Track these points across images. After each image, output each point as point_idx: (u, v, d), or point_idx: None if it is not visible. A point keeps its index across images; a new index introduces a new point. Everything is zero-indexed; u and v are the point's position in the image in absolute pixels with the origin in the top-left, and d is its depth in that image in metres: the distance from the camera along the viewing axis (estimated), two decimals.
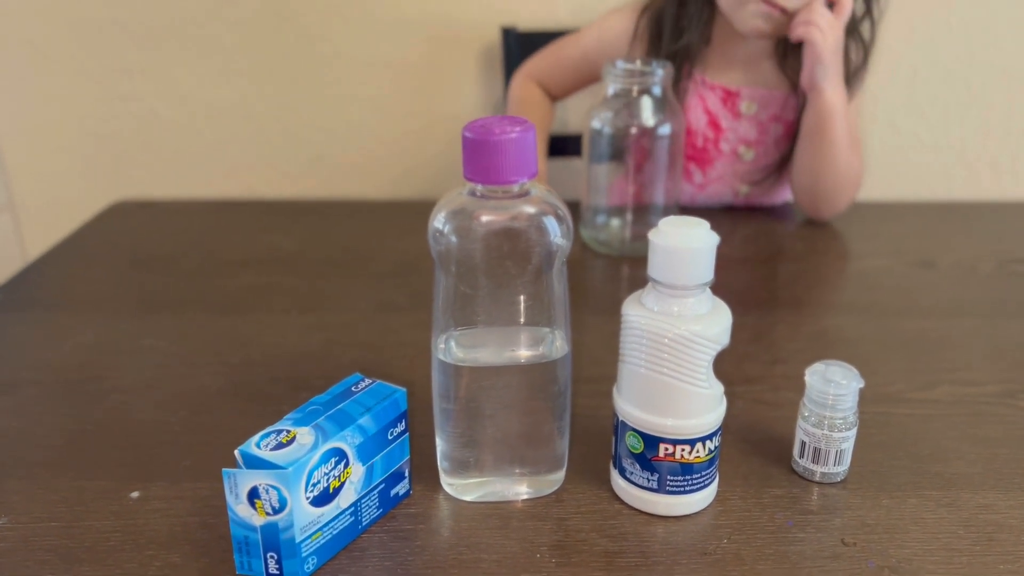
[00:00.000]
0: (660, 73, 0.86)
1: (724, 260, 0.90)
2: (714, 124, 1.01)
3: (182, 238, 0.98)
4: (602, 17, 1.07)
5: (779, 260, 0.91)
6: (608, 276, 0.89)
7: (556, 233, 0.48)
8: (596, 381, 0.66)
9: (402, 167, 1.41)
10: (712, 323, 0.49)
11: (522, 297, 0.50)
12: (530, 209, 0.48)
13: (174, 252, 0.93)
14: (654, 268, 0.49)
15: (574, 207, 0.94)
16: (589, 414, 0.61)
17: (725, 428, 0.53)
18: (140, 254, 0.93)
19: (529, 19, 1.31)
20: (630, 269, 0.89)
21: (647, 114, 0.87)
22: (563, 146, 1.20)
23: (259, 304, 0.81)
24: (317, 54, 1.35)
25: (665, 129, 0.88)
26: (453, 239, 0.48)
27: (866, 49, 0.97)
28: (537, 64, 1.12)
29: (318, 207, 1.08)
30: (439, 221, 0.48)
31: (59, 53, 1.35)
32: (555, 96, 1.13)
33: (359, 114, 1.38)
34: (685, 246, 0.48)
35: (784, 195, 1.08)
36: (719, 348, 0.49)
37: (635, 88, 0.87)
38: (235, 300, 0.82)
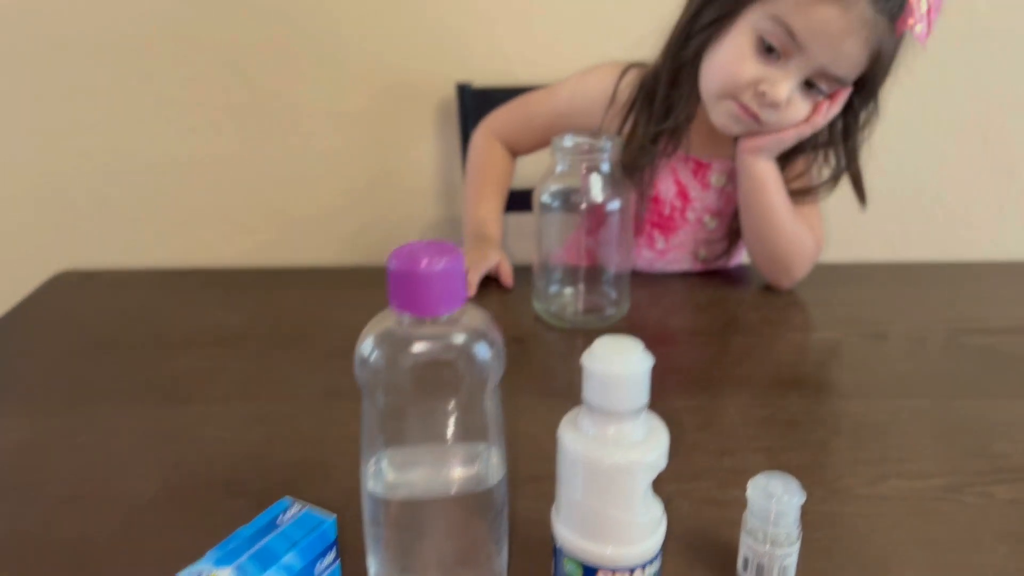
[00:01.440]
0: (609, 149, 0.85)
1: (677, 333, 0.90)
2: (683, 194, 1.01)
3: (125, 315, 0.95)
4: (578, 75, 1.05)
5: (732, 332, 0.91)
6: (559, 352, 0.88)
7: (487, 358, 0.47)
8: (540, 480, 0.64)
9: (359, 221, 1.40)
10: (649, 449, 0.48)
11: (453, 420, 0.48)
12: (459, 338, 0.46)
13: (115, 332, 0.91)
14: (588, 392, 0.48)
15: (529, 272, 0.93)
16: (533, 518, 0.60)
17: (669, 532, 0.51)
18: (80, 334, 0.90)
19: (485, 75, 1.30)
20: (584, 343, 0.88)
21: (596, 191, 0.87)
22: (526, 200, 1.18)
23: (199, 391, 0.79)
24: (272, 108, 1.34)
25: (615, 205, 0.87)
26: (380, 368, 0.46)
27: (843, 164, 0.95)
28: (502, 119, 1.10)
29: (267, 276, 1.06)
30: (365, 349, 0.47)
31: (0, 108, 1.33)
32: (519, 153, 1.12)
33: (315, 168, 1.36)
34: (619, 372, 0.47)
35: (740, 256, 1.08)
36: (657, 472, 0.48)
37: (584, 165, 0.86)
38: (175, 387, 0.80)
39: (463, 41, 1.30)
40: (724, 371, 0.83)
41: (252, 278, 1.06)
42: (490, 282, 1.01)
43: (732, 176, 0.99)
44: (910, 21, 0.81)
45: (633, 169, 0.98)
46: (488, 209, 1.07)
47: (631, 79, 0.99)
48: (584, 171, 0.86)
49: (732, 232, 1.03)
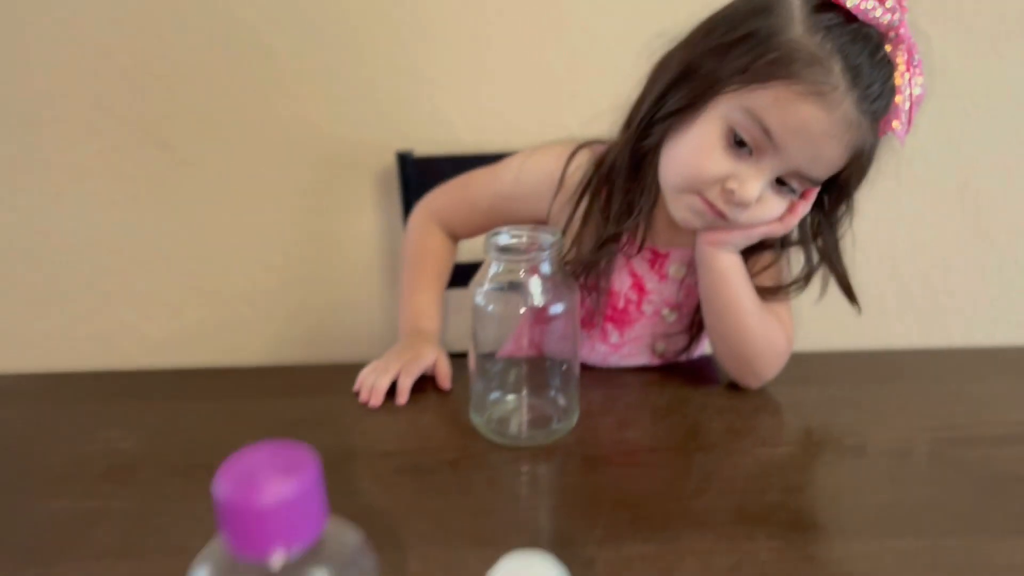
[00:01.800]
0: (550, 248, 0.75)
1: (632, 450, 0.79)
2: (638, 286, 0.92)
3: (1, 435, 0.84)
4: (523, 155, 0.95)
5: (694, 447, 0.80)
6: (499, 481, 0.77)
7: None
8: None
9: (293, 303, 1.29)
10: None
11: None
12: None
13: None
14: None
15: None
16: None
17: None
18: None
19: (427, 143, 1.20)
20: (529, 466, 0.78)
21: (536, 294, 0.77)
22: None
23: (70, 547, 0.67)
24: (197, 180, 1.23)
25: (558, 308, 0.77)
26: None
27: (815, 264, 0.86)
28: (441, 201, 1.00)
29: (180, 379, 0.95)
30: None
31: None
32: (460, 237, 1.02)
33: (245, 245, 1.26)
34: None
35: (702, 347, 0.98)
36: None
37: (522, 268, 0.76)
38: (43, 540, 0.68)
39: (403, 106, 1.20)
40: (683, 504, 0.72)
41: (161, 383, 0.94)
42: (427, 382, 0.90)
43: (692, 266, 0.90)
44: (894, 123, 0.73)
45: (588, 267, 0.88)
46: (424, 300, 0.96)
47: (582, 161, 0.90)
48: (522, 273, 0.76)
49: (693, 325, 0.93)
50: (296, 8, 1.15)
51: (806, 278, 0.86)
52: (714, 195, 0.78)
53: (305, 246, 1.26)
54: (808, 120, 0.71)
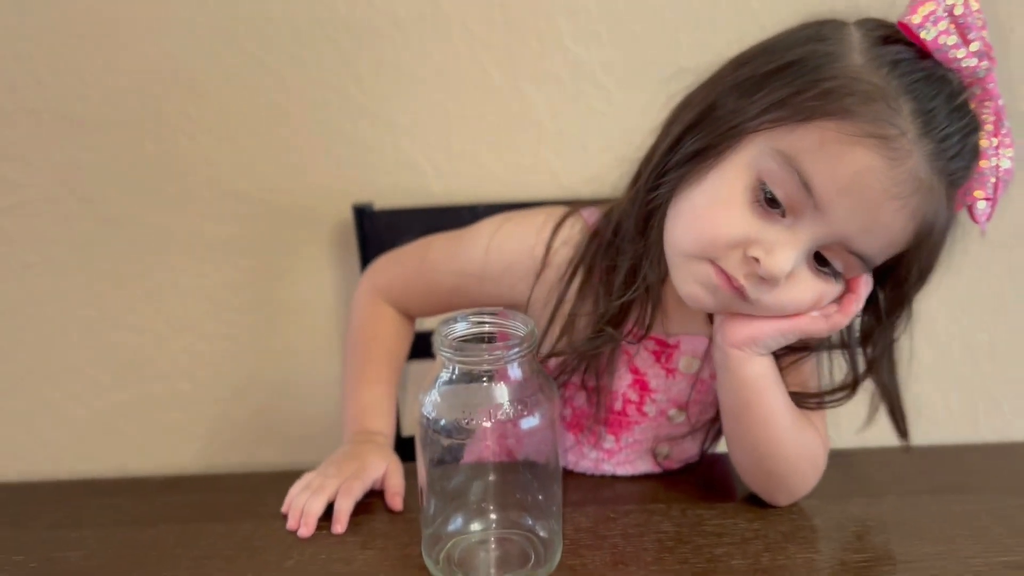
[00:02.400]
0: (520, 347, 0.58)
1: None
2: (641, 384, 0.73)
3: None
4: (496, 222, 0.76)
5: None
6: None
7: None
8: None
9: (236, 376, 1.12)
10: None
11: None
12: None
13: None
14: None
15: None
16: None
17: None
18: None
19: (390, 194, 1.04)
20: None
21: (503, 404, 0.59)
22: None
23: None
24: (126, 239, 1.06)
25: (532, 422, 0.59)
26: None
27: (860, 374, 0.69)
28: (392, 274, 0.82)
29: (71, 494, 0.78)
30: None
31: None
32: (416, 316, 0.84)
33: (177, 312, 1.09)
34: None
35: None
36: None
37: (484, 374, 0.58)
38: None
39: (361, 151, 1.04)
40: None
41: (53, 498, 0.77)
42: (373, 500, 0.73)
43: (708, 358, 0.72)
44: (976, 192, 0.56)
45: (585, 360, 0.70)
46: (373, 395, 0.79)
47: (571, 234, 0.72)
48: (485, 381, 0.59)
49: (707, 427, 0.75)
50: (235, 40, 0.99)
51: (850, 388, 0.68)
52: (733, 264, 0.60)
53: (249, 313, 1.08)
54: (863, 171, 0.55)
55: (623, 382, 0.73)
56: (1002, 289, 1.12)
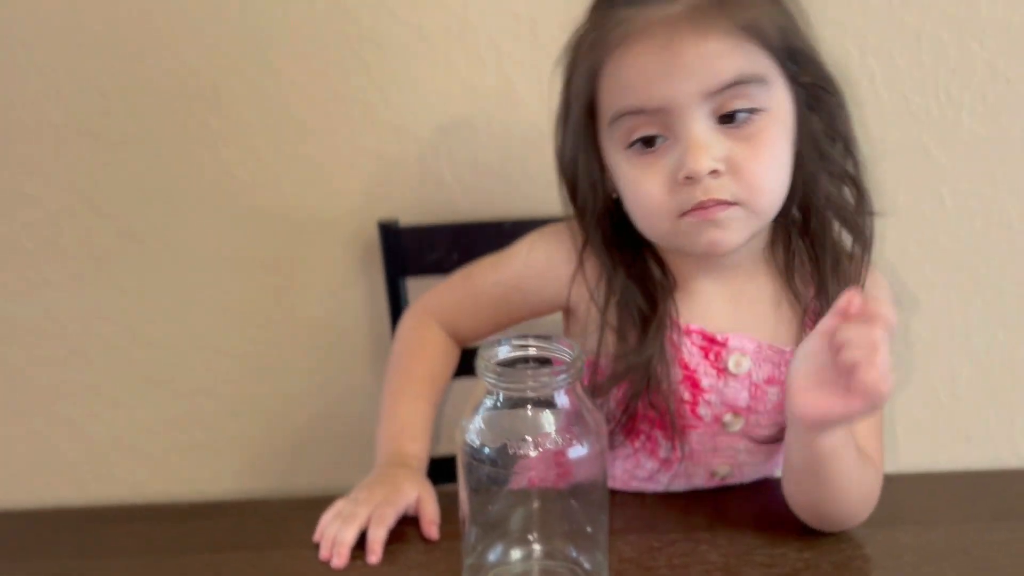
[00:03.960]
0: (567, 373, 0.56)
1: None
2: (692, 381, 0.71)
3: None
4: (533, 235, 0.78)
5: None
6: None
7: None
8: None
9: (258, 395, 1.10)
10: None
11: None
12: None
13: None
14: None
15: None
16: None
17: None
18: None
19: (416, 211, 1.01)
20: None
21: (550, 432, 0.57)
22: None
23: None
24: (146, 255, 1.04)
25: (579, 451, 0.57)
26: None
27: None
28: (440, 297, 0.83)
29: (91, 525, 0.76)
30: None
31: None
32: (466, 340, 0.83)
33: (199, 330, 1.07)
34: None
35: (774, 466, 0.78)
36: None
37: (529, 400, 0.56)
38: None
39: (386, 168, 1.02)
40: None
41: (72, 527, 0.75)
42: (407, 527, 0.70)
43: (759, 359, 0.70)
44: None
45: (636, 362, 0.69)
46: (409, 413, 0.77)
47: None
48: (529, 409, 0.56)
49: (767, 440, 0.73)
50: (258, 53, 0.97)
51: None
52: (690, 198, 0.62)
53: (272, 330, 1.06)
54: (640, 60, 0.61)
55: (675, 377, 0.70)
56: None
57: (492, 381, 0.56)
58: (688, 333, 0.70)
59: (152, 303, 1.05)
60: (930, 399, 1.12)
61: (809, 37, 0.65)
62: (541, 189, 1.01)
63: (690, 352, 0.70)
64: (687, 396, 0.71)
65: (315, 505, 0.71)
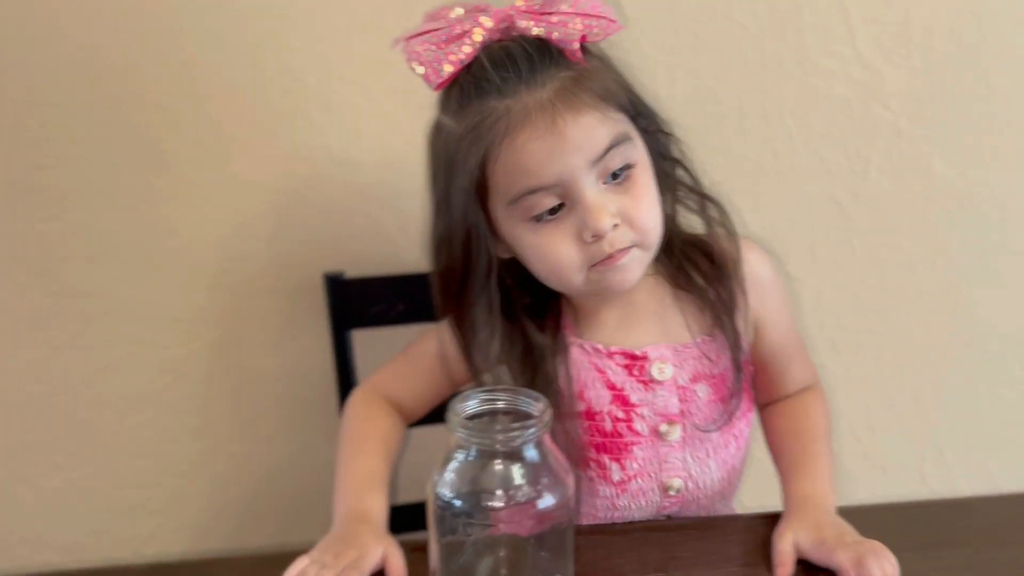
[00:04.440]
0: (534, 427, 0.59)
1: None
2: (621, 400, 0.76)
3: None
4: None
5: None
6: None
7: None
8: None
9: (200, 453, 1.08)
10: None
11: None
12: None
13: None
14: None
15: None
16: None
17: None
18: None
19: (362, 263, 1.03)
20: None
21: (520, 484, 0.59)
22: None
23: None
24: (83, 311, 1.03)
25: (548, 502, 0.60)
26: None
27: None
28: (384, 372, 0.85)
29: None
30: None
31: None
32: (411, 412, 0.85)
33: (144, 381, 1.05)
34: None
35: (727, 486, 0.82)
36: None
37: (499, 453, 0.59)
38: None
39: (331, 220, 1.03)
40: None
41: None
42: None
43: (680, 362, 0.77)
44: (574, 44, 0.66)
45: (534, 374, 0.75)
46: (367, 468, 0.78)
47: None
48: (498, 464, 0.59)
49: (707, 447, 0.78)
50: (200, 109, 0.98)
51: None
52: (596, 253, 0.70)
53: (214, 385, 1.06)
54: (531, 146, 0.67)
55: (604, 401, 0.76)
56: (944, 342, 1.18)
57: (463, 435, 0.59)
58: (611, 356, 0.77)
59: (90, 361, 1.04)
60: (847, 435, 1.20)
61: (640, 89, 0.74)
62: None
63: (615, 372, 0.77)
64: (620, 414, 0.76)
65: (272, 562, 0.71)
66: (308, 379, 1.07)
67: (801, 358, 0.85)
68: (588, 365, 0.77)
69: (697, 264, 0.78)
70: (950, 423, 1.21)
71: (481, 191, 0.70)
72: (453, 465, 0.60)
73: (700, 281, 0.78)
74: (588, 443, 0.77)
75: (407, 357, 0.83)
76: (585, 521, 0.80)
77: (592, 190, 0.68)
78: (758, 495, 1.07)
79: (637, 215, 0.70)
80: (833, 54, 1.03)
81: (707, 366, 0.77)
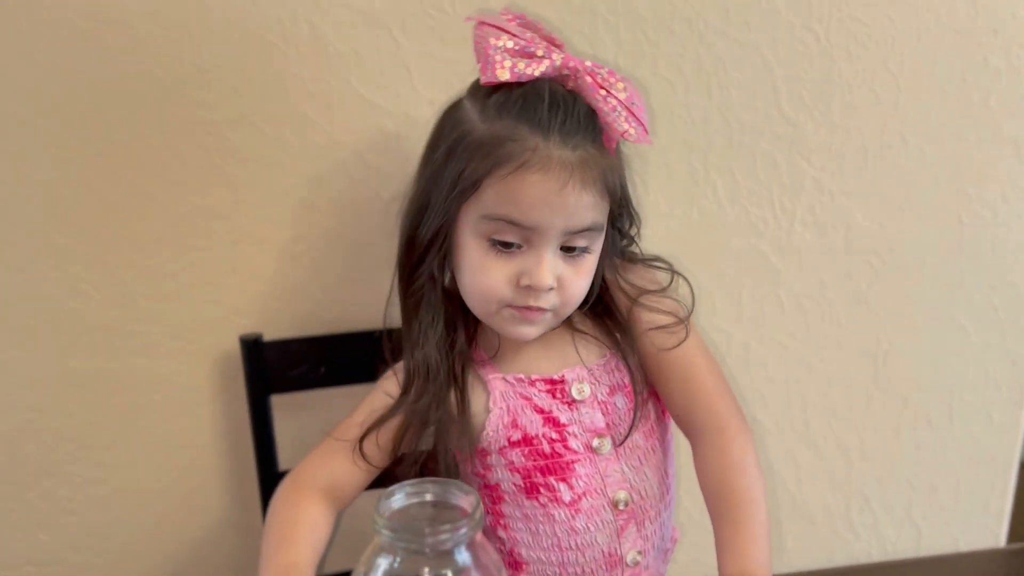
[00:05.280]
0: (465, 528, 0.55)
1: None
2: (552, 421, 0.80)
3: None
4: (378, 383, 0.84)
5: None
6: None
7: None
8: None
9: (110, 519, 1.02)
10: None
11: None
12: None
13: None
14: None
15: None
16: None
17: None
18: None
19: (280, 324, 0.99)
20: None
21: None
22: None
23: None
24: None
25: None
26: None
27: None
28: (310, 461, 0.81)
29: None
30: None
31: None
32: (345, 496, 0.81)
33: (42, 451, 0.99)
34: None
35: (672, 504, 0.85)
36: None
37: (426, 559, 0.55)
38: None
39: (247, 280, 0.99)
40: None
41: None
42: None
43: (594, 379, 0.81)
44: (617, 135, 0.71)
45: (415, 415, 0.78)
46: (292, 557, 0.73)
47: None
48: (426, 572, 0.55)
49: (641, 457, 0.82)
50: (109, 164, 0.92)
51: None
52: (521, 298, 0.75)
53: (120, 454, 0.99)
54: (532, 188, 0.70)
55: (536, 425, 0.79)
56: (867, 388, 1.20)
57: (388, 538, 0.55)
58: (533, 384, 0.81)
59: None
60: (778, 487, 1.20)
61: (627, 181, 0.79)
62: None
63: (540, 398, 0.80)
64: (554, 435, 0.80)
65: None
66: (223, 447, 1.02)
67: (727, 396, 0.83)
68: (514, 395, 0.80)
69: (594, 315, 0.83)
70: (875, 470, 1.23)
71: (468, 191, 0.72)
72: (377, 570, 0.56)
73: (591, 328, 0.83)
74: (533, 468, 0.79)
75: (335, 436, 0.80)
76: (550, 556, 0.81)
77: (551, 250, 0.73)
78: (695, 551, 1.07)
79: (571, 288, 0.76)
80: (757, 110, 1.04)
81: (618, 377, 0.81)
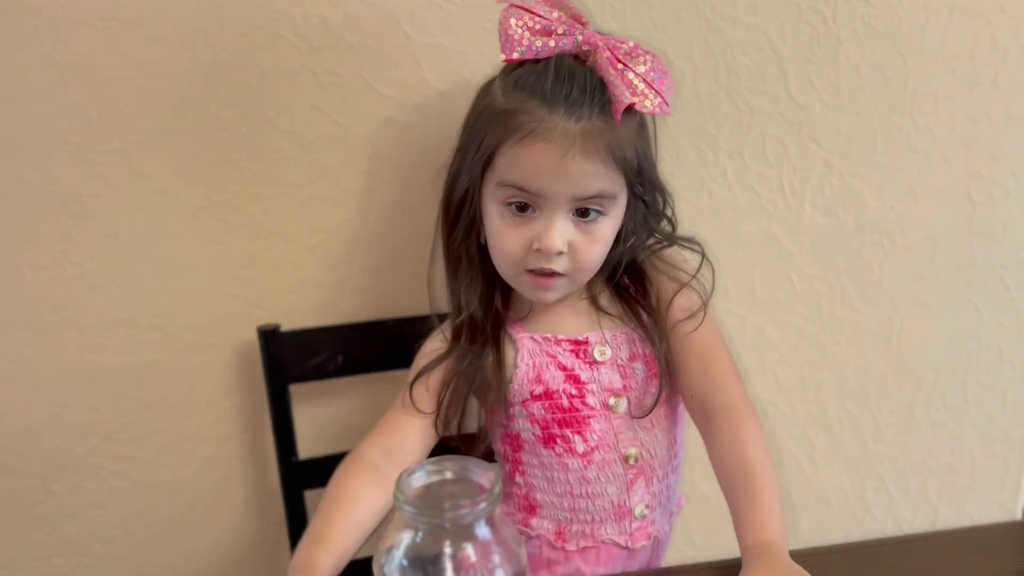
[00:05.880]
0: (485, 502, 0.57)
1: None
2: (573, 379, 0.85)
3: None
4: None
5: None
6: None
7: None
8: None
9: (135, 512, 1.03)
10: None
11: None
12: None
13: None
14: None
15: None
16: None
17: None
18: None
19: (298, 314, 1.00)
20: None
21: (470, 560, 0.57)
22: None
23: None
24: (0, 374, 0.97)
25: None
26: None
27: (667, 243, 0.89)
28: (369, 436, 0.83)
29: None
30: None
31: None
32: (403, 456, 0.82)
33: (68, 445, 1.00)
34: None
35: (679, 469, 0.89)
36: None
37: (447, 533, 0.57)
38: None
39: (264, 272, 1.00)
40: None
41: None
42: None
43: (616, 345, 0.86)
44: (628, 105, 0.72)
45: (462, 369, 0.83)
46: (327, 522, 0.75)
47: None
48: (447, 546, 0.57)
49: (647, 409, 0.85)
50: (123, 157, 0.94)
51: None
52: (535, 261, 0.79)
53: (143, 447, 1.01)
54: (539, 158, 0.74)
55: (558, 380, 0.85)
56: (881, 372, 1.20)
57: (410, 514, 0.56)
58: (559, 343, 0.86)
59: (7, 426, 0.98)
60: (791, 468, 1.20)
61: (652, 155, 0.82)
62: (420, 285, 1.03)
63: (564, 356, 0.85)
64: (574, 391, 0.85)
65: None
66: (245, 438, 1.03)
67: (735, 378, 0.85)
68: (541, 352, 0.85)
69: (628, 294, 0.88)
70: (890, 451, 1.23)
71: (486, 158, 0.78)
72: (401, 545, 0.57)
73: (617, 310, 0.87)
74: (551, 420, 0.85)
75: (395, 407, 0.84)
76: (563, 502, 0.85)
77: (561, 215, 0.77)
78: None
79: (583, 254, 0.79)
80: (766, 94, 1.04)
81: (640, 347, 0.86)
